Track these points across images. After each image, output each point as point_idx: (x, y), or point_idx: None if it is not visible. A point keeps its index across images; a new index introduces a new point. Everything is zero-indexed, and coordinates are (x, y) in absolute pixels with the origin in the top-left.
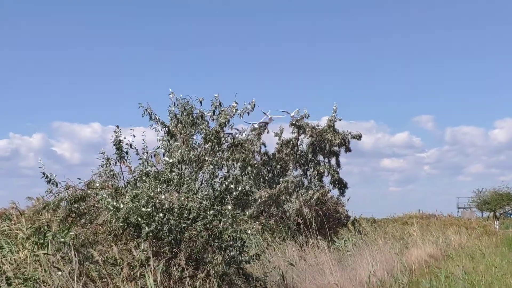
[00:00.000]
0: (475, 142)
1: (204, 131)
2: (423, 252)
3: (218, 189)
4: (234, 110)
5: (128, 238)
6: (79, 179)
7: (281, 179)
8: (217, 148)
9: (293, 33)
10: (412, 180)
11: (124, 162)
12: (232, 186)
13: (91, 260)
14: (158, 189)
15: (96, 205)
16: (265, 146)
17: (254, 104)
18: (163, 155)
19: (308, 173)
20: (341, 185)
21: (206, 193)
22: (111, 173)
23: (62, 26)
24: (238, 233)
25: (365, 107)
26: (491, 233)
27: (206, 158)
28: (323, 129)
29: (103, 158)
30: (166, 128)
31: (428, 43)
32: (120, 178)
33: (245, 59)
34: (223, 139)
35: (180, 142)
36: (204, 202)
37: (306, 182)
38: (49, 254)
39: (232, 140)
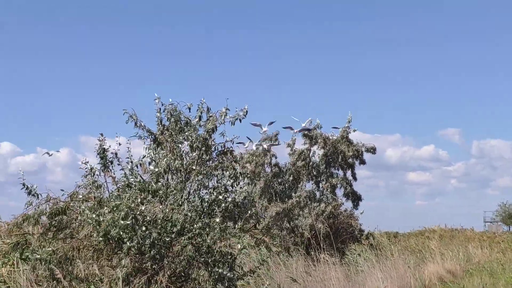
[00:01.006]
0: (502, 155)
1: (190, 138)
2: (440, 267)
3: (207, 200)
4: (223, 116)
5: (110, 253)
6: (62, 190)
7: (293, 193)
8: (205, 157)
9: (316, 41)
10: (439, 194)
11: (108, 172)
12: (220, 197)
13: (67, 277)
14: (139, 200)
15: (78, 218)
16: (276, 158)
17: (247, 111)
18: (149, 164)
19: (321, 185)
20: (355, 198)
21: (192, 204)
22: (95, 184)
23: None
24: (228, 247)
25: (390, 121)
26: None
27: (194, 167)
28: (337, 140)
29: (86, 168)
30: (152, 136)
31: (453, 55)
32: (105, 189)
33: (264, 69)
34: (213, 147)
35: (166, 150)
36: (189, 214)
37: (318, 195)
38: (27, 270)
39: (223, 147)
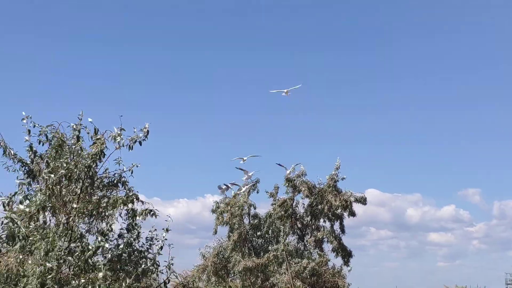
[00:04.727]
0: None
1: (65, 166)
2: None
3: (91, 248)
4: (117, 138)
5: None
6: None
7: (270, 247)
8: (92, 191)
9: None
10: (460, 255)
11: None
12: (107, 245)
13: None
14: None
15: None
16: (255, 208)
17: (148, 131)
18: (20, 202)
19: (305, 238)
20: (345, 253)
21: (63, 254)
22: None
23: None
24: None
25: (410, 180)
26: None
27: (74, 205)
28: (323, 189)
29: None
30: (26, 167)
31: (473, 117)
32: None
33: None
34: (104, 177)
35: (42, 183)
36: (49, 265)
37: (302, 249)
38: None
39: (118, 177)
